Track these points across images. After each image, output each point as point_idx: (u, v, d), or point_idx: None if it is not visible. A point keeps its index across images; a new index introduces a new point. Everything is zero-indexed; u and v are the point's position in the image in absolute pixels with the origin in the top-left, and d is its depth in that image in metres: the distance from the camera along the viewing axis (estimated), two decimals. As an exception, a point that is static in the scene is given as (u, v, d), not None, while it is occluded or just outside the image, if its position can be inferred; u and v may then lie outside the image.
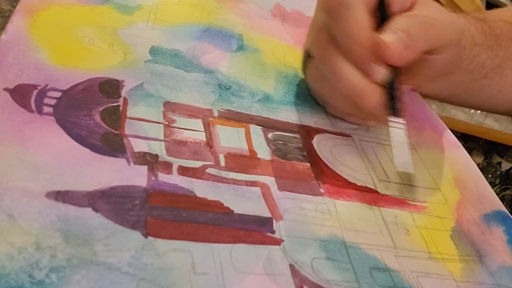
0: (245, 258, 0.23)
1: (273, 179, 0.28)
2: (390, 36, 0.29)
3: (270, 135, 0.32)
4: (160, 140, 0.27)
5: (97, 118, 0.27)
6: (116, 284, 0.20)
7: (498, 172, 1.63)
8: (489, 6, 1.29)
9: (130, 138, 0.26)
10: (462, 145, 0.41)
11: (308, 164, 0.31)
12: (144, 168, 0.25)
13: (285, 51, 0.42)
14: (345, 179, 0.31)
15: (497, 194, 0.37)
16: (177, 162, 0.26)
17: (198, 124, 0.30)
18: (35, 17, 0.31)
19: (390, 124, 0.30)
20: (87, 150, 0.25)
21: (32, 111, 0.25)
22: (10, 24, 0.30)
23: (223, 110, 0.32)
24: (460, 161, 0.39)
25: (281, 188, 0.28)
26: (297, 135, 0.33)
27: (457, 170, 0.37)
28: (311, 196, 0.29)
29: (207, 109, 0.31)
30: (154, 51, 0.34)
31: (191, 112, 0.31)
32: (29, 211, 0.21)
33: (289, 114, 0.35)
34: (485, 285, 0.28)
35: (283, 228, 0.26)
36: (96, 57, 0.31)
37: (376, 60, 0.29)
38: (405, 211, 0.31)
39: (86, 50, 0.31)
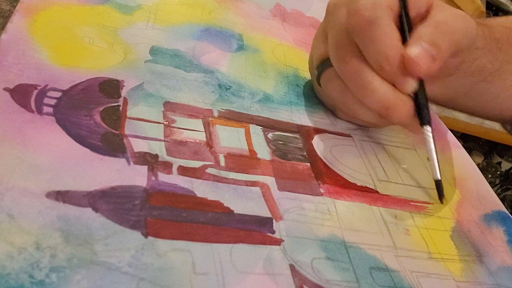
0: (245, 258, 0.23)
1: (273, 179, 0.28)
2: (416, 50, 0.29)
3: (270, 135, 0.32)
4: (160, 140, 0.27)
5: (97, 118, 0.27)
6: (116, 284, 0.20)
7: (498, 172, 1.63)
8: (489, 6, 1.29)
9: (130, 138, 0.26)
10: (462, 145, 0.41)
11: (308, 164, 0.31)
12: (144, 168, 0.25)
13: (285, 51, 0.42)
14: (345, 179, 0.31)
15: (498, 194, 0.37)
16: (177, 162, 0.26)
17: (198, 124, 0.30)
18: (35, 17, 0.31)
19: (424, 134, 0.31)
20: (87, 150, 0.25)
21: (32, 111, 0.25)
22: (10, 24, 0.30)
23: (223, 110, 0.32)
24: (460, 161, 0.39)
25: (281, 188, 0.28)
26: (297, 135, 0.33)
27: (457, 170, 0.37)
28: (311, 196, 0.29)
29: (207, 109, 0.31)
30: (154, 51, 0.34)
31: (191, 112, 0.31)
32: (29, 211, 0.21)
33: (289, 114, 0.35)
34: (485, 285, 0.29)
35: (283, 228, 0.26)
36: (96, 57, 0.31)
37: (405, 73, 0.30)
38: (405, 211, 0.31)
39: (86, 50, 0.31)
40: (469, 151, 1.62)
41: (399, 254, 0.28)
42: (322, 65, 0.34)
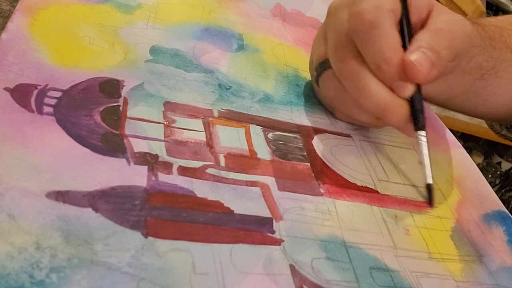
0: (245, 258, 0.23)
1: (273, 179, 0.28)
2: (417, 55, 0.29)
3: (270, 135, 0.32)
4: (160, 140, 0.27)
5: (97, 118, 0.27)
6: (116, 284, 0.20)
7: (498, 172, 1.63)
8: (489, 6, 1.29)
9: (130, 138, 0.26)
10: (462, 145, 0.41)
11: (308, 164, 0.31)
12: (144, 168, 0.25)
13: (286, 51, 0.42)
14: (345, 179, 0.31)
15: (497, 194, 0.37)
16: (177, 162, 0.26)
17: (198, 124, 0.30)
18: (35, 16, 0.31)
19: (417, 138, 0.31)
20: (87, 150, 0.25)
21: (32, 111, 0.25)
22: (10, 23, 0.30)
23: (223, 110, 0.32)
24: (460, 161, 0.39)
25: (281, 188, 0.28)
26: (297, 135, 0.33)
27: (457, 170, 0.37)
28: (311, 196, 0.29)
29: (207, 109, 0.31)
30: (154, 50, 0.34)
31: (191, 112, 0.31)
32: (29, 211, 0.21)
33: (289, 114, 0.35)
34: (485, 285, 0.29)
35: (283, 228, 0.26)
36: (97, 57, 0.31)
37: (403, 77, 0.30)
38: (405, 211, 0.31)
39: (86, 49, 0.31)
40: (469, 151, 1.62)
41: (399, 254, 0.28)
42: (321, 66, 0.34)
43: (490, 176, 1.60)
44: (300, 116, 0.35)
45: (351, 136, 0.36)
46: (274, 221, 0.26)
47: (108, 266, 0.20)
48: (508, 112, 0.43)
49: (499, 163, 1.67)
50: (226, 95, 0.33)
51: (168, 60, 0.34)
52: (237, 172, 0.28)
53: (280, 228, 0.26)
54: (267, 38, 0.42)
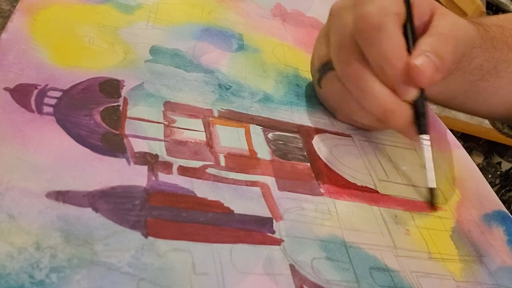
0: (245, 258, 0.23)
1: (273, 179, 0.28)
2: (421, 60, 0.29)
3: (270, 135, 0.32)
4: (160, 140, 0.27)
5: (97, 118, 0.27)
6: (116, 284, 0.20)
7: (498, 172, 1.63)
8: (489, 6, 1.29)
9: (130, 138, 0.26)
10: (462, 145, 0.41)
11: (308, 164, 0.31)
12: (144, 168, 0.25)
13: (286, 51, 0.42)
14: (345, 179, 0.31)
15: (497, 194, 0.37)
16: (177, 162, 0.26)
17: (198, 124, 0.30)
18: (35, 16, 0.31)
19: (421, 142, 0.31)
20: (87, 150, 0.25)
21: (32, 111, 0.25)
22: (10, 23, 0.30)
23: (223, 110, 0.32)
24: (460, 161, 0.39)
25: (281, 188, 0.28)
26: (297, 135, 0.33)
27: (457, 170, 0.37)
28: (311, 196, 0.29)
29: (207, 109, 0.31)
30: (154, 50, 0.34)
31: (191, 112, 0.31)
32: (29, 211, 0.21)
33: (289, 114, 0.35)
34: (485, 285, 0.29)
35: (283, 228, 0.26)
36: (97, 57, 0.31)
37: (407, 80, 0.30)
38: (405, 211, 0.31)
39: (86, 49, 0.31)
40: (469, 151, 1.62)
41: (399, 254, 0.28)
42: (323, 67, 0.34)
43: (490, 176, 1.60)
44: (300, 116, 0.35)
45: (351, 136, 0.36)
46: (274, 221, 0.26)
47: (108, 266, 0.20)
48: (509, 112, 0.43)
49: (499, 163, 1.67)
50: (226, 95, 0.33)
51: (168, 60, 0.34)
52: (237, 172, 0.28)
53: (280, 228, 0.26)
54: (267, 38, 0.42)
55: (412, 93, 0.30)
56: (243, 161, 0.29)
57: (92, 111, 0.27)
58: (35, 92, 0.26)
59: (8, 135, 0.23)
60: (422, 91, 0.31)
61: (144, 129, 0.27)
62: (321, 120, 0.36)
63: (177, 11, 0.40)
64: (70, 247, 0.20)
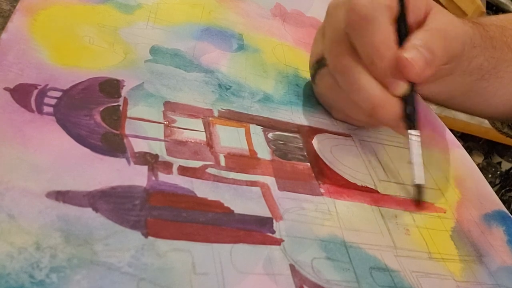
0: (245, 258, 0.23)
1: (273, 179, 0.28)
2: (412, 53, 0.29)
3: (270, 135, 0.32)
4: (160, 140, 0.27)
5: (98, 118, 0.27)
6: (116, 284, 0.20)
7: (498, 172, 1.63)
8: (489, 6, 1.29)
9: (130, 138, 0.26)
10: (462, 145, 0.41)
11: (308, 164, 0.31)
12: (144, 168, 0.25)
13: (286, 50, 0.42)
14: (345, 179, 0.31)
15: (497, 194, 0.38)
16: (177, 162, 0.26)
17: (198, 124, 0.30)
18: (35, 16, 0.31)
19: (409, 137, 0.31)
20: (87, 150, 0.25)
21: (32, 111, 0.25)
22: (10, 23, 0.30)
23: (223, 110, 0.32)
24: (460, 161, 0.39)
25: (281, 188, 0.28)
26: (297, 135, 0.33)
27: (457, 170, 0.37)
28: (311, 196, 0.29)
29: (207, 109, 0.31)
30: (154, 50, 0.34)
31: (191, 112, 0.31)
32: (29, 211, 0.21)
33: (289, 114, 0.35)
34: (485, 285, 0.29)
35: (283, 228, 0.26)
36: (97, 57, 0.31)
37: (397, 75, 0.30)
38: (405, 211, 0.31)
39: (86, 49, 0.31)
40: (469, 151, 1.62)
41: (399, 254, 0.28)
42: (318, 64, 0.35)
43: (490, 176, 1.60)
44: (300, 116, 0.35)
45: (351, 136, 0.36)
46: (274, 221, 0.26)
47: (108, 266, 0.20)
48: (509, 111, 0.43)
49: (499, 163, 1.67)
50: (226, 95, 0.33)
51: (168, 60, 0.34)
52: (237, 172, 0.28)
53: (280, 228, 0.26)
54: (267, 38, 0.42)
55: (402, 87, 0.30)
56: (243, 161, 0.29)
57: (92, 111, 0.27)
58: (35, 92, 0.26)
59: (8, 135, 0.23)
60: (412, 86, 0.30)
61: (144, 129, 0.27)
62: (321, 120, 0.36)
63: (177, 11, 0.40)
64: (70, 247, 0.20)
